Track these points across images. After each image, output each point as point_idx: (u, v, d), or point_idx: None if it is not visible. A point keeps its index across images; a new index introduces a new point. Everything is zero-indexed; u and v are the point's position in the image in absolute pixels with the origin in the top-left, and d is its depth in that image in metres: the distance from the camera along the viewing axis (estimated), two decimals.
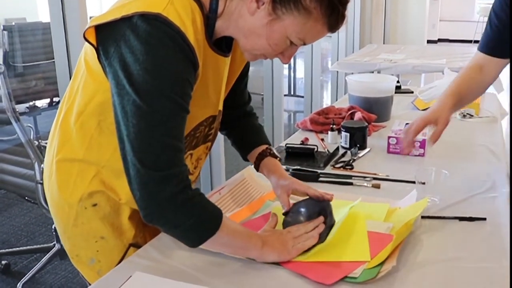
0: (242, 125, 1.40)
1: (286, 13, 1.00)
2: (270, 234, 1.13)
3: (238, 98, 1.38)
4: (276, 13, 1.00)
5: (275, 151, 1.37)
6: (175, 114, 0.98)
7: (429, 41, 10.66)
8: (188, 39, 0.96)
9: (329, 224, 1.17)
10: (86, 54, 1.07)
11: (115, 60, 0.96)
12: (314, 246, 1.12)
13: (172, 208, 0.98)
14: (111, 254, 1.20)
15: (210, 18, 1.05)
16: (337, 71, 5.14)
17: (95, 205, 1.15)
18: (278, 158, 1.36)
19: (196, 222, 1.00)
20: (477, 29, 11.87)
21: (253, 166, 1.38)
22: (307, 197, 1.23)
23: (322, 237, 1.14)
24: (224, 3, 1.04)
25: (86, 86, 1.08)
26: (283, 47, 1.06)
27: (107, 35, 0.98)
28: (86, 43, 1.04)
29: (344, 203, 1.28)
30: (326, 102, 6.13)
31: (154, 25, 0.93)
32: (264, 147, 1.37)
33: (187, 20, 0.97)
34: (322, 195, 1.22)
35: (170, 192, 0.96)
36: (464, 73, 1.58)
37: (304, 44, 1.06)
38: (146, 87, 0.94)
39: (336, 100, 4.37)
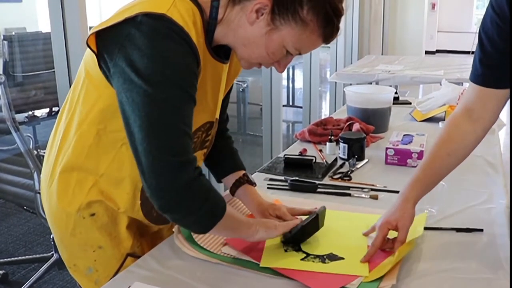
0: (218, 148, 1.39)
1: (284, 23, 1.03)
2: (257, 218, 1.19)
3: (220, 116, 1.37)
4: (274, 23, 1.04)
5: (251, 177, 1.38)
6: (186, 102, 1.00)
7: (427, 52, 10.70)
8: (191, 37, 0.99)
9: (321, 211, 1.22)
10: (86, 63, 1.09)
11: (120, 59, 0.97)
12: (313, 233, 1.19)
13: (190, 194, 0.99)
14: (108, 263, 1.20)
15: (210, 24, 1.07)
16: (336, 82, 5.16)
17: (93, 214, 1.16)
18: (254, 185, 1.37)
19: (210, 206, 1.02)
20: (475, 40, 11.89)
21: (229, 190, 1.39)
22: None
23: (320, 224, 1.19)
24: (224, 11, 1.07)
25: (87, 95, 1.09)
26: (279, 56, 1.10)
27: (110, 39, 1.00)
28: (86, 52, 1.06)
29: (346, 215, 1.29)
30: (325, 112, 6.16)
31: (159, 22, 0.96)
32: (240, 173, 1.38)
33: (189, 21, 1.00)
34: (304, 212, 1.28)
35: (187, 178, 0.98)
36: (444, 132, 1.22)
37: (300, 53, 1.10)
38: (156, 77, 0.96)
39: (335, 110, 4.38)
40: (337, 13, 1.05)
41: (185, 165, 0.98)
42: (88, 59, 1.08)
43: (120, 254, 1.20)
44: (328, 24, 1.05)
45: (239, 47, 1.10)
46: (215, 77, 1.17)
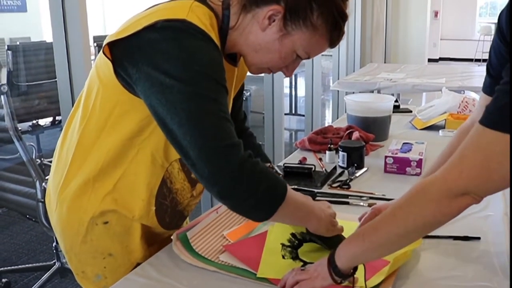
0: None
1: (295, 29, 1.08)
2: (322, 211, 1.17)
3: (237, 114, 1.41)
4: (286, 29, 1.08)
5: (277, 169, 1.39)
6: (220, 92, 1.01)
7: (430, 60, 10.71)
8: (213, 38, 1.02)
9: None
10: (100, 71, 1.10)
11: (144, 65, 0.99)
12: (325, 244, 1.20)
13: (244, 175, 0.98)
14: (117, 271, 1.21)
15: (223, 29, 1.10)
16: (338, 90, 5.17)
17: (106, 222, 1.17)
18: (280, 175, 1.38)
19: (268, 187, 1.01)
20: (478, 47, 11.96)
21: None
22: None
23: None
24: (237, 19, 1.10)
25: (103, 103, 1.11)
26: (290, 60, 1.14)
27: (129, 46, 1.02)
28: (98, 61, 1.09)
29: (343, 225, 1.29)
30: (328, 120, 6.16)
31: (181, 25, 0.99)
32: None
33: (208, 25, 1.03)
34: None
35: (237, 160, 0.97)
36: (449, 143, 1.30)
37: (309, 57, 1.14)
38: (187, 74, 0.97)
39: (337, 118, 4.39)
40: (343, 18, 1.10)
41: (233, 147, 0.98)
42: (102, 67, 1.09)
43: (130, 263, 1.21)
44: (335, 28, 1.10)
45: (250, 53, 1.13)
46: (228, 80, 1.19)
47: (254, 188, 0.99)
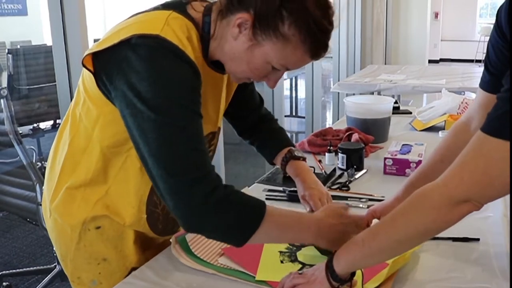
0: (262, 131, 1.45)
1: (265, 39, 1.01)
2: (325, 223, 1.10)
3: (250, 103, 1.42)
4: (256, 38, 1.02)
5: (296, 153, 1.40)
6: (191, 119, 1.00)
7: (430, 61, 10.71)
8: (187, 54, 0.99)
9: None
10: (85, 81, 1.10)
11: (120, 82, 0.98)
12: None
13: (208, 210, 0.97)
14: (112, 276, 1.21)
15: (204, 38, 1.08)
16: (338, 92, 5.17)
17: (98, 227, 1.17)
18: (301, 159, 1.40)
19: (236, 219, 0.99)
20: (478, 48, 11.96)
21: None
22: None
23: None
24: (215, 25, 1.07)
25: (89, 113, 1.10)
26: (264, 72, 1.08)
27: (107, 60, 1.00)
28: (84, 71, 1.07)
29: None
30: (329, 122, 6.15)
31: (154, 43, 0.97)
32: (285, 150, 1.40)
33: (183, 38, 1.01)
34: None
35: (201, 194, 0.96)
36: (444, 139, 1.30)
37: (288, 69, 1.08)
38: (157, 100, 0.96)
39: (338, 120, 4.39)
40: (322, 28, 1.01)
41: (198, 181, 0.97)
42: (86, 78, 1.09)
43: (124, 268, 1.21)
44: (312, 40, 1.01)
45: (227, 61, 1.09)
46: (215, 88, 1.18)
47: (220, 222, 0.99)
